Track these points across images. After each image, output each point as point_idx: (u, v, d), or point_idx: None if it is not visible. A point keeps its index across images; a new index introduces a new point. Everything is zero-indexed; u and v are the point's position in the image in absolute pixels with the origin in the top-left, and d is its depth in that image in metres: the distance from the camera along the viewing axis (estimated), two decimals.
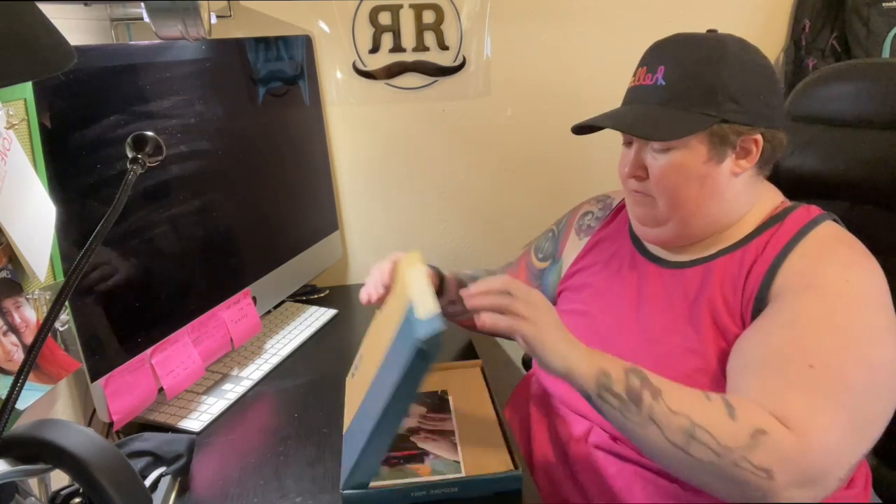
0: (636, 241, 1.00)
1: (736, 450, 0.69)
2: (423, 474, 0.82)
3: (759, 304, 0.82)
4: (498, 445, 0.88)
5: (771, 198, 0.93)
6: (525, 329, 0.74)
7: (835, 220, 0.88)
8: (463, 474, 0.83)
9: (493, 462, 0.85)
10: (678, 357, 0.85)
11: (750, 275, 0.85)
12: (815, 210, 0.90)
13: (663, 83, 0.87)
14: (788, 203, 0.93)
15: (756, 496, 0.69)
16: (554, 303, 1.07)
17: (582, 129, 0.93)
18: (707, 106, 0.85)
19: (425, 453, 0.86)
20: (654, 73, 0.88)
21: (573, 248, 1.09)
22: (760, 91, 0.88)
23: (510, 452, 0.87)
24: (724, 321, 0.84)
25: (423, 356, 0.68)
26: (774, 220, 0.89)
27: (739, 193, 0.90)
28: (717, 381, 0.82)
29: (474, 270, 1.17)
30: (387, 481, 0.80)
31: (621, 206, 1.07)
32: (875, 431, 0.74)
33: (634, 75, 0.92)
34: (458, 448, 0.87)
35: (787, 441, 0.68)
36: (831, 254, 0.83)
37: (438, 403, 0.97)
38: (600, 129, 0.91)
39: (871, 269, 0.82)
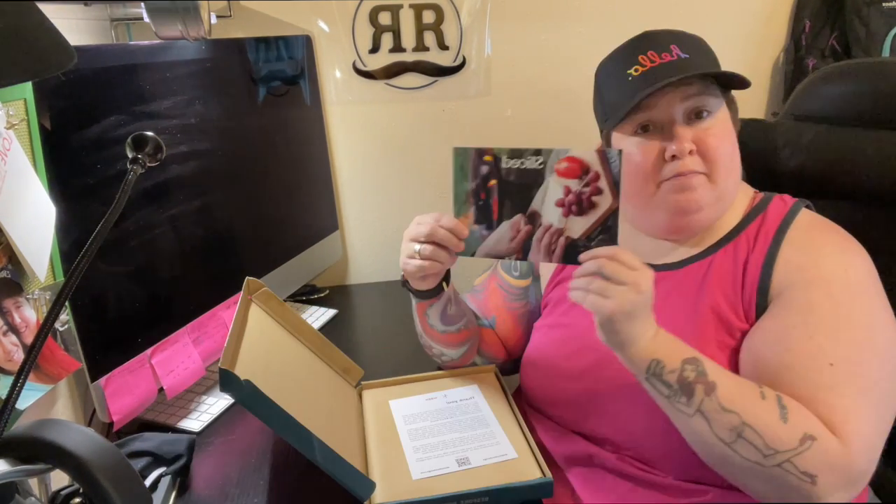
0: None
1: (783, 453, 0.70)
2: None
3: (762, 297, 0.83)
4: (523, 451, 0.86)
5: (745, 190, 0.95)
6: (607, 311, 0.74)
7: (807, 206, 0.91)
8: (493, 483, 0.81)
9: (521, 469, 0.83)
10: None
11: (747, 269, 0.85)
12: (788, 199, 0.92)
13: (686, 56, 0.87)
14: (761, 194, 0.94)
15: (796, 499, 0.70)
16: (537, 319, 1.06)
17: (620, 116, 0.89)
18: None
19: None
20: (668, 51, 0.87)
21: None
22: None
23: (535, 458, 0.85)
24: (729, 317, 0.84)
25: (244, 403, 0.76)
26: (756, 211, 0.91)
27: None
28: None
29: None
30: (415, 495, 0.79)
31: None
32: (892, 419, 0.76)
33: (636, 63, 0.88)
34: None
35: (834, 447, 0.70)
36: (823, 242, 0.84)
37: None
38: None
39: (861, 253, 0.84)
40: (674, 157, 0.85)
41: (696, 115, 0.86)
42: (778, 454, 0.70)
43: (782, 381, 0.75)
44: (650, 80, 0.86)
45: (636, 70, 0.87)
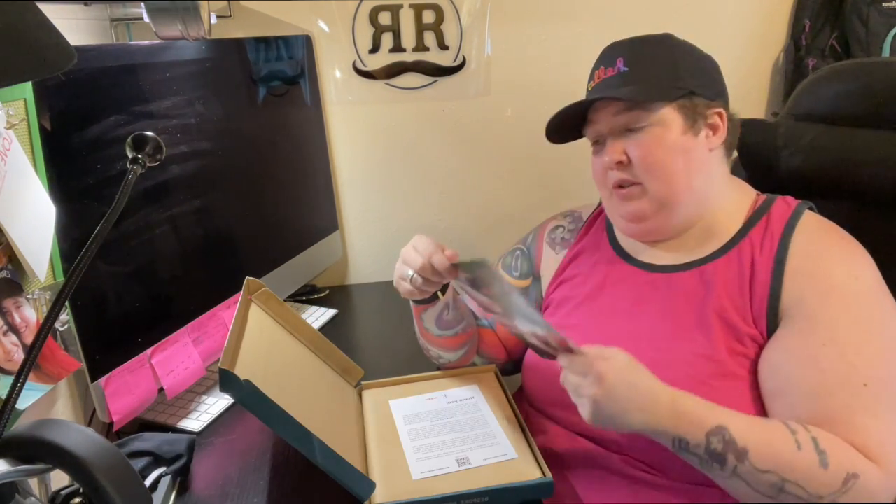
0: (618, 249, 0.99)
1: (828, 496, 0.71)
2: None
3: (773, 304, 0.83)
4: (523, 451, 0.86)
5: (747, 191, 0.95)
6: (588, 408, 0.75)
7: (810, 208, 0.91)
8: (493, 483, 0.80)
9: (521, 469, 0.83)
10: (689, 363, 0.84)
11: (755, 274, 0.85)
12: (791, 200, 0.92)
13: (626, 69, 0.89)
14: (763, 196, 0.94)
15: None
16: None
17: (554, 132, 0.95)
18: (674, 80, 0.89)
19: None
20: (613, 65, 0.90)
21: (550, 261, 1.07)
22: (712, 73, 0.93)
23: (535, 458, 0.85)
24: (736, 322, 0.84)
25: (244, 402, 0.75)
26: (759, 213, 0.91)
27: (720, 174, 0.93)
28: (735, 381, 0.82)
29: None
30: (415, 495, 0.79)
31: (593, 218, 1.06)
32: None
33: (592, 79, 0.94)
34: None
35: (876, 477, 0.71)
36: (831, 249, 0.85)
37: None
38: (568, 132, 0.95)
39: (866, 258, 0.85)
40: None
41: (627, 129, 0.89)
42: (823, 498, 0.71)
43: (819, 404, 0.76)
44: (592, 95, 0.93)
45: (589, 86, 0.95)
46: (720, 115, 0.91)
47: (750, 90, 1.64)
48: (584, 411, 0.75)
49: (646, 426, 0.74)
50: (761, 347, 0.83)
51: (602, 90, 0.91)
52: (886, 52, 1.52)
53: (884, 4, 1.52)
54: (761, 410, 0.82)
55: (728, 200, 0.92)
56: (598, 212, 1.07)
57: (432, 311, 0.99)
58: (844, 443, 0.73)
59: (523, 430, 0.91)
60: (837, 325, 0.78)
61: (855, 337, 0.78)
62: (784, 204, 0.91)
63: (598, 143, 0.94)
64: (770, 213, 0.90)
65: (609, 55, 0.93)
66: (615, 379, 0.73)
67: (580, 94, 1.13)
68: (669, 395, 0.75)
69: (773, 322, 0.83)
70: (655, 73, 0.89)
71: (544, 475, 0.81)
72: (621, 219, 0.94)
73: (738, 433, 0.74)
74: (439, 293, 0.98)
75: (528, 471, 0.82)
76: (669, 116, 0.88)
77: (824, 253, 0.84)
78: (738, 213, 0.92)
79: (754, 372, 0.83)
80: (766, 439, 0.74)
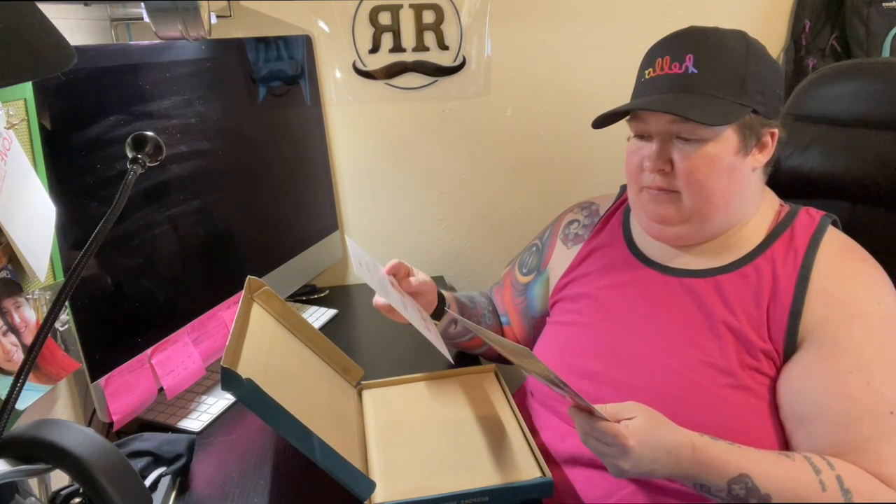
0: (633, 248, 0.98)
1: None
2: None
3: (794, 321, 0.82)
4: (523, 451, 0.86)
5: (771, 202, 0.94)
6: (614, 472, 0.76)
7: (833, 223, 0.90)
8: (493, 483, 0.81)
9: (521, 469, 0.83)
10: (696, 371, 0.84)
11: (777, 288, 0.84)
12: (815, 213, 0.91)
13: (695, 71, 0.84)
14: (787, 206, 0.93)
15: None
16: (546, 314, 1.07)
17: (604, 121, 0.91)
18: (739, 95, 0.84)
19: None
20: (681, 61, 0.85)
21: (561, 257, 1.06)
22: (777, 85, 0.89)
23: (535, 458, 0.85)
24: (748, 336, 0.83)
25: (244, 400, 0.75)
26: (782, 226, 0.90)
27: (756, 190, 0.90)
28: (749, 395, 0.82)
29: (464, 293, 1.16)
30: (415, 495, 0.79)
31: (611, 213, 1.05)
32: None
33: (653, 66, 0.88)
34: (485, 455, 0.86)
35: None
36: (854, 272, 0.84)
37: None
38: (615, 120, 0.89)
39: (886, 280, 0.84)
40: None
41: (678, 138, 0.86)
42: None
43: (846, 432, 0.76)
44: (651, 87, 0.88)
45: (648, 73, 0.89)
46: (773, 134, 0.89)
47: None
48: (611, 472, 0.76)
49: (670, 476, 0.76)
50: (776, 364, 0.83)
51: (664, 87, 0.86)
52: (886, 52, 1.52)
53: (884, 4, 1.52)
54: (778, 429, 0.82)
55: (755, 213, 0.91)
56: (617, 206, 1.05)
57: (439, 326, 1.02)
58: (870, 478, 0.73)
59: (523, 431, 0.91)
60: (864, 351, 0.78)
61: (882, 364, 0.78)
62: (807, 217, 0.90)
63: (641, 139, 0.90)
64: (794, 226, 0.89)
65: (679, 46, 0.87)
66: (640, 447, 0.73)
67: (581, 94, 1.13)
68: (691, 447, 0.75)
69: (791, 339, 0.82)
70: (723, 83, 0.84)
71: (544, 475, 0.81)
72: (646, 217, 0.92)
73: (761, 480, 0.74)
74: (446, 308, 1.02)
75: (528, 471, 0.82)
76: (726, 135, 0.85)
77: (849, 276, 0.83)
78: (762, 225, 0.90)
79: (772, 390, 0.82)
80: (791, 483, 0.74)
